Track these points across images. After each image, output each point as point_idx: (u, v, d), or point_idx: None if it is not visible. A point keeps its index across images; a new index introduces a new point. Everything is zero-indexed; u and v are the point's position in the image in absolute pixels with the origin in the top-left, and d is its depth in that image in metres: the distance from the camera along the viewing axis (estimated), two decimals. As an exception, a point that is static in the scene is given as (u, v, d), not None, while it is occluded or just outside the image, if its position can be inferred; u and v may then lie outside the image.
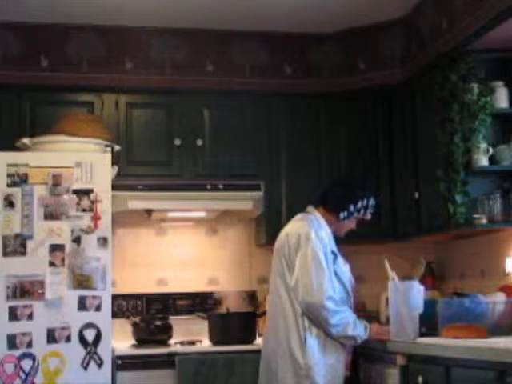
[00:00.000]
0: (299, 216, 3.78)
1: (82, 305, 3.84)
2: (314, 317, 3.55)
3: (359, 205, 3.76)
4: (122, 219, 4.55)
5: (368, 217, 3.84)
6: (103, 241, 3.89)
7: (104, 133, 4.24)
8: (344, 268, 3.76)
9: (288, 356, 3.55)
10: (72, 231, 3.88)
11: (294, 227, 3.70)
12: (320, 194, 3.86)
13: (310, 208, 3.80)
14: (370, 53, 4.68)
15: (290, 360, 3.55)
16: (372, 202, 3.81)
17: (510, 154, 3.96)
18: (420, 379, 3.42)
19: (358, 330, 3.62)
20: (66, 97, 4.54)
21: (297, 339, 3.55)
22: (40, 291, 3.80)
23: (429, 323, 3.72)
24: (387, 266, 3.87)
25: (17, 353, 3.76)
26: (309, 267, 3.54)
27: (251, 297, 4.82)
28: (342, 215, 3.75)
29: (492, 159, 3.97)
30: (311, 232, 3.61)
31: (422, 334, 3.68)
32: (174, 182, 4.48)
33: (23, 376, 3.75)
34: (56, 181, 3.89)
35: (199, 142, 4.60)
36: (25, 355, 3.76)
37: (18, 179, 3.86)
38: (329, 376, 3.58)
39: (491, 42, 3.84)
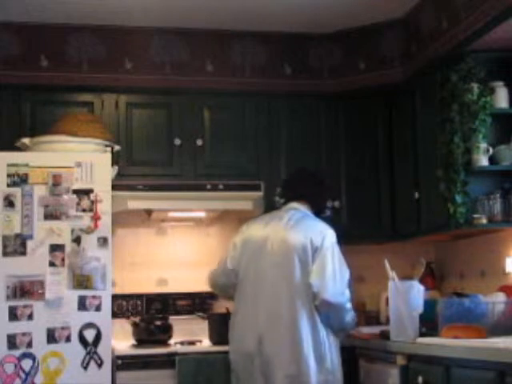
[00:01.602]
0: (300, 214, 3.74)
1: (82, 305, 3.85)
2: (332, 316, 3.57)
3: (330, 204, 3.96)
4: (122, 219, 4.55)
5: (328, 213, 3.91)
6: (103, 241, 3.90)
7: (104, 133, 4.24)
8: None
9: (311, 357, 3.53)
10: (72, 231, 3.88)
11: (311, 227, 3.66)
12: (295, 188, 3.84)
13: (296, 204, 3.79)
14: (370, 53, 4.68)
15: (312, 361, 3.53)
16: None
17: (510, 154, 3.96)
18: (420, 379, 3.42)
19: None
20: (66, 97, 4.53)
21: (314, 342, 3.55)
22: (40, 291, 3.80)
23: (429, 323, 3.73)
24: (387, 266, 3.88)
25: (17, 353, 3.76)
26: (336, 267, 3.57)
27: (251, 297, 4.81)
28: (324, 212, 3.83)
29: (492, 159, 3.97)
30: (333, 233, 3.66)
31: (421, 334, 3.69)
32: (174, 182, 4.48)
33: (23, 376, 3.75)
34: (56, 181, 3.90)
35: (199, 142, 4.60)
36: (25, 355, 3.77)
37: (18, 179, 3.87)
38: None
39: (491, 42, 3.84)
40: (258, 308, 3.62)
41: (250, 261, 3.71)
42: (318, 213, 3.81)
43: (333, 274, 3.55)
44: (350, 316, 3.65)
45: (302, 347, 3.51)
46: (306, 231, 3.62)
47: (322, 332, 3.56)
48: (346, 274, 3.62)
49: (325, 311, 3.55)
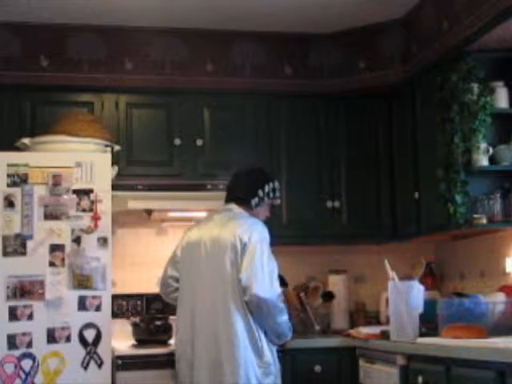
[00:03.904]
0: (232, 214, 3.73)
1: (82, 305, 3.85)
2: (264, 313, 3.52)
3: (266, 188, 3.79)
4: (122, 219, 4.55)
5: (278, 201, 3.89)
6: (103, 241, 3.90)
7: (104, 133, 4.24)
8: None
9: (253, 357, 3.51)
10: (72, 231, 3.88)
11: (240, 225, 3.63)
12: (227, 191, 3.84)
13: (232, 205, 3.77)
14: (370, 53, 4.68)
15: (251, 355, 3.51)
16: (277, 184, 3.85)
17: (510, 154, 3.96)
18: (420, 379, 3.42)
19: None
20: (66, 97, 4.54)
21: (250, 336, 3.52)
22: (40, 291, 3.80)
23: (429, 323, 3.73)
24: (387, 266, 3.88)
25: (17, 353, 3.76)
26: (264, 262, 3.53)
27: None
28: (253, 202, 3.76)
29: (492, 159, 3.97)
30: (264, 229, 3.64)
31: (421, 334, 3.69)
32: (174, 181, 4.48)
33: (23, 376, 3.75)
34: (56, 181, 3.90)
35: (199, 142, 4.60)
36: (25, 355, 3.77)
37: (18, 179, 3.87)
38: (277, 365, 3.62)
39: (491, 42, 3.84)
40: (195, 311, 3.61)
41: (187, 265, 3.71)
42: (249, 205, 3.76)
43: (261, 269, 3.51)
44: (283, 318, 3.57)
45: (238, 345, 3.48)
46: (234, 229, 3.60)
47: (257, 328, 3.52)
48: (275, 270, 3.57)
49: (255, 307, 3.50)
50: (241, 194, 3.78)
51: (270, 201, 3.83)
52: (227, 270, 3.56)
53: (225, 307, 3.53)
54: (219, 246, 3.62)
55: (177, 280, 3.79)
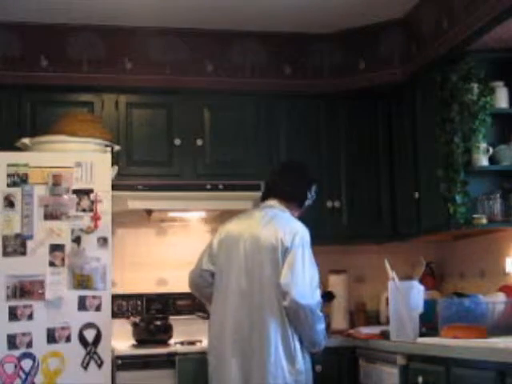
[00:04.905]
0: (273, 212, 3.67)
1: (82, 305, 3.85)
2: (302, 320, 3.47)
3: (312, 190, 3.80)
4: (122, 219, 4.55)
5: (310, 202, 3.83)
6: (103, 241, 3.90)
7: (104, 133, 4.24)
8: None
9: (282, 358, 3.46)
10: (72, 231, 3.88)
11: (283, 227, 3.58)
12: (270, 186, 3.80)
13: (273, 202, 3.72)
14: (370, 53, 4.68)
15: (283, 361, 3.47)
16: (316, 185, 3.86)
17: (510, 154, 3.96)
18: (420, 379, 3.43)
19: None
20: (66, 97, 4.54)
21: (283, 342, 3.48)
22: (40, 291, 3.81)
23: (429, 323, 3.73)
24: (387, 265, 3.88)
25: (17, 353, 3.76)
26: (306, 268, 3.50)
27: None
28: (299, 203, 3.75)
29: (492, 159, 3.97)
30: (306, 232, 3.59)
31: (421, 334, 3.69)
32: (174, 182, 4.48)
33: (23, 376, 3.75)
34: (56, 181, 3.90)
35: (199, 142, 4.60)
36: (25, 355, 3.77)
37: (18, 179, 3.87)
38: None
39: (491, 42, 3.84)
40: (228, 309, 3.57)
41: (224, 261, 3.66)
42: (300, 205, 3.75)
43: (302, 275, 3.46)
44: (321, 326, 3.53)
45: (270, 349, 3.44)
46: (276, 231, 3.55)
47: (292, 334, 3.47)
48: (316, 276, 3.53)
49: (293, 313, 3.44)
50: (287, 193, 3.73)
51: (310, 201, 3.81)
52: (266, 273, 3.51)
53: (260, 310, 3.48)
54: (259, 246, 3.56)
55: (212, 275, 3.70)
